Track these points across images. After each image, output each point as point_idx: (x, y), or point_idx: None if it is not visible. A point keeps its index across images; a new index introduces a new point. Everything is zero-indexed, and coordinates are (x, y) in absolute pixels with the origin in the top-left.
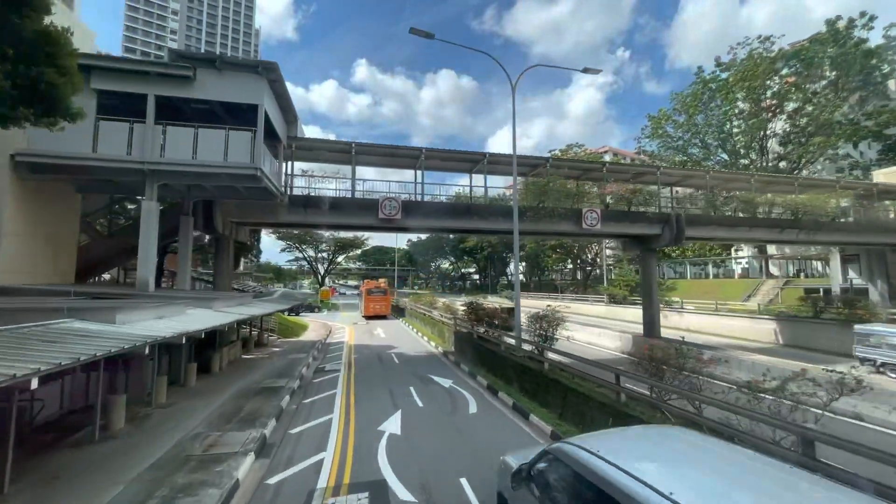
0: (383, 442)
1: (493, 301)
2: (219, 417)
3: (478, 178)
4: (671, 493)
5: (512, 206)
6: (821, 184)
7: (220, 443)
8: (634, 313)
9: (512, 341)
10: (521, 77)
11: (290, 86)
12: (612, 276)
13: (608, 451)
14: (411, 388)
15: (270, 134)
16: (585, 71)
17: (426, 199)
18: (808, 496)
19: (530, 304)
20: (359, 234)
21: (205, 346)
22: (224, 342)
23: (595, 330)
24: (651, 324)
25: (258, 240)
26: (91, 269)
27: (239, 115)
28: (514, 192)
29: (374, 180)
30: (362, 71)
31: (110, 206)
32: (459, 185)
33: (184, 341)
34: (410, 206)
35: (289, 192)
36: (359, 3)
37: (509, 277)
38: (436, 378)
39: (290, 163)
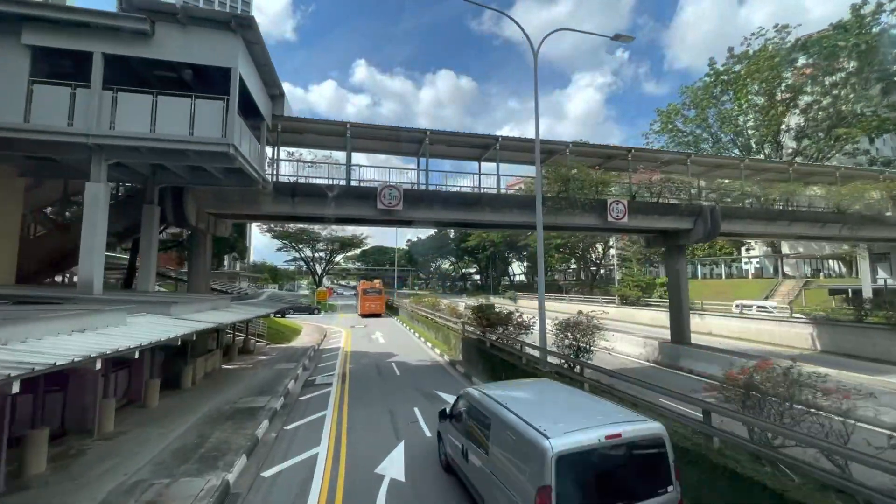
0: (382, 493)
1: (495, 302)
2: (174, 454)
3: (487, 169)
4: (513, 407)
5: (528, 195)
6: (863, 174)
7: (165, 497)
8: (650, 315)
9: (535, 353)
10: (542, 45)
11: (288, 86)
12: (621, 276)
13: (489, 389)
14: (416, 410)
15: (251, 110)
16: (616, 38)
17: (431, 189)
18: (590, 408)
19: (534, 306)
20: (358, 231)
21: (175, 356)
22: (198, 352)
23: (612, 334)
24: (680, 329)
25: (241, 235)
26: (53, 267)
27: (212, 84)
28: (537, 177)
29: (372, 166)
30: (361, 71)
31: (66, 192)
32: (469, 172)
33: (98, 365)
34: (413, 196)
35: (274, 180)
36: (358, 4)
37: (511, 278)
38: (444, 395)
39: (275, 148)
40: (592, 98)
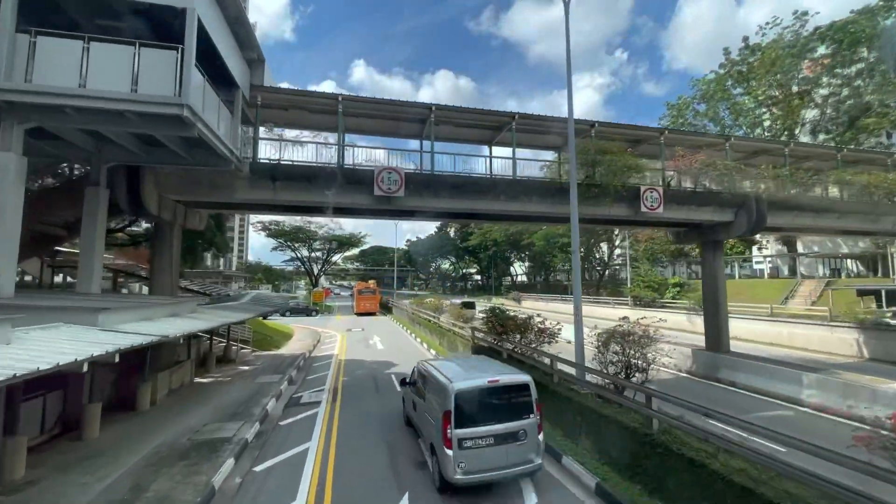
0: None
1: (496, 303)
2: None
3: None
4: (440, 369)
5: (551, 181)
6: None
7: None
8: (668, 318)
9: (570, 370)
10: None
11: (286, 87)
12: (633, 276)
13: (431, 361)
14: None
15: (222, 77)
16: None
17: (437, 173)
18: (491, 369)
19: (539, 308)
20: (356, 230)
21: (129, 371)
22: (162, 365)
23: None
24: (718, 335)
25: (219, 228)
26: None
27: (174, 39)
28: (571, 155)
29: (369, 147)
30: (360, 71)
31: None
32: (480, 154)
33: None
34: (416, 181)
35: (251, 160)
36: (356, 5)
37: (514, 278)
38: None
39: (254, 126)
40: (591, 99)
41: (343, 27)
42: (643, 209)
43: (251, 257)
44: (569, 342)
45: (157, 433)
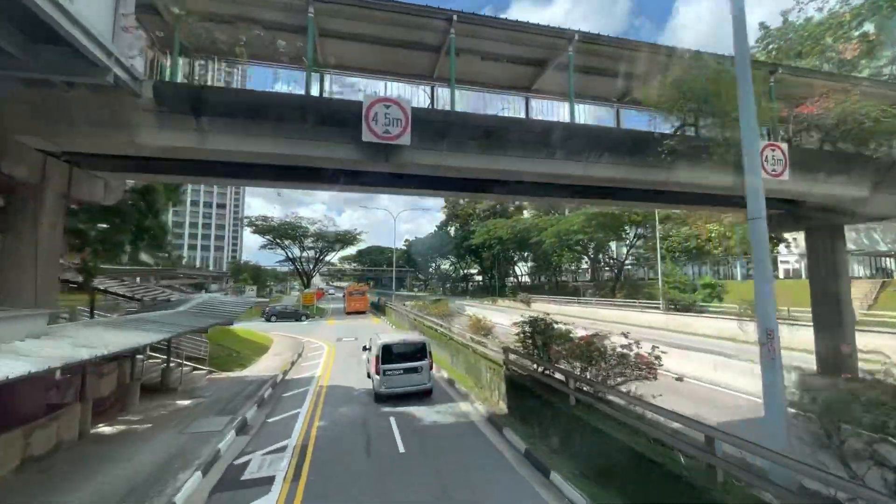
0: None
1: (503, 306)
2: None
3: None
4: (381, 336)
5: (632, 131)
6: None
7: None
8: (712, 325)
9: (725, 445)
10: None
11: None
12: (665, 276)
13: (380, 334)
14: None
15: None
16: None
17: (461, 112)
18: (407, 334)
19: (552, 311)
20: (351, 226)
21: None
22: (14, 416)
23: (697, 356)
24: (836, 354)
25: (151, 209)
26: None
27: None
28: (744, 79)
29: (352, 75)
30: None
31: None
32: (520, 94)
33: None
34: (428, 123)
35: (157, 79)
36: None
37: (519, 279)
38: None
39: (175, 38)
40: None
41: None
42: (764, 175)
43: (246, 257)
44: (678, 379)
45: None
